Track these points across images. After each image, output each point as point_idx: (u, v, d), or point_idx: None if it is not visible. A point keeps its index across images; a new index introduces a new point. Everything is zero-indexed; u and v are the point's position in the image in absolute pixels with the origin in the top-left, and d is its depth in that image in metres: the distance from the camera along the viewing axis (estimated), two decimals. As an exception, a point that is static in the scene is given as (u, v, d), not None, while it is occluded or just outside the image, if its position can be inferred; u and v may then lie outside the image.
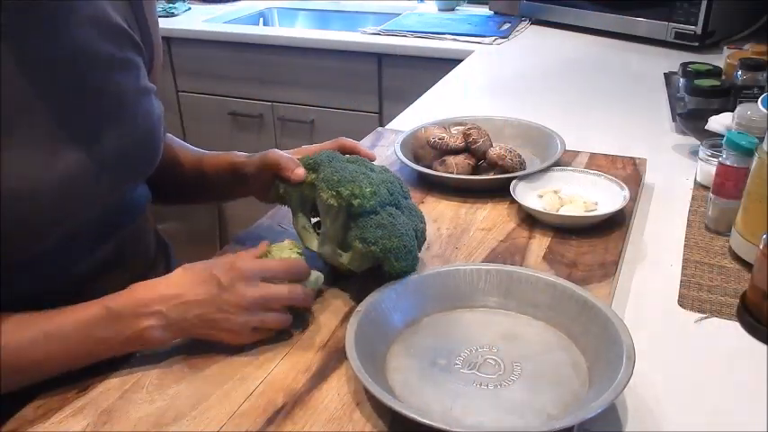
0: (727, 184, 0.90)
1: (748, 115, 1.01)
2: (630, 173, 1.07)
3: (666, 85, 1.52)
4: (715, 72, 1.37)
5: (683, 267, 0.86)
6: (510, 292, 0.76)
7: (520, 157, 1.05)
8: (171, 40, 2.27)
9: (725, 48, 1.58)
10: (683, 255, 0.89)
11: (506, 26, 2.10)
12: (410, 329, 0.74)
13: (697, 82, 1.30)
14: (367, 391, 0.63)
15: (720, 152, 0.91)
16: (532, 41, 2.00)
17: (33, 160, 0.66)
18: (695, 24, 1.77)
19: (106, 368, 0.68)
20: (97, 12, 0.73)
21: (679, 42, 1.81)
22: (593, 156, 1.14)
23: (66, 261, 0.74)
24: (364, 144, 1.14)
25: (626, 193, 0.96)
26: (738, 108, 1.04)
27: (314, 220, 0.83)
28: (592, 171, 1.03)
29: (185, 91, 2.36)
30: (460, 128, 1.11)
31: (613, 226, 0.92)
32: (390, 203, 0.77)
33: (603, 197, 0.98)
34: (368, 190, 0.74)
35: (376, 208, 0.75)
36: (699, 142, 1.09)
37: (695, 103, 1.27)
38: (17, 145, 0.65)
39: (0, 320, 0.65)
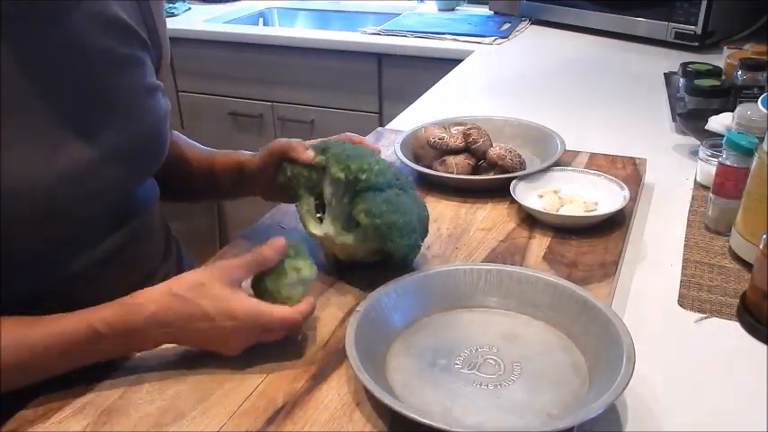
0: (727, 184, 0.90)
1: (748, 115, 1.01)
2: (630, 173, 1.07)
3: (666, 85, 1.52)
4: (715, 72, 1.37)
5: (683, 267, 0.86)
6: (510, 292, 0.76)
7: (520, 157, 1.05)
8: (171, 40, 2.26)
9: (725, 48, 1.58)
10: (683, 255, 0.89)
11: (506, 26, 2.10)
12: (410, 329, 0.74)
13: (697, 82, 1.30)
14: (367, 391, 0.63)
15: (720, 152, 0.91)
16: (532, 41, 2.00)
17: (33, 156, 0.66)
18: (695, 24, 1.77)
19: (106, 368, 0.68)
20: (101, 9, 0.73)
21: (679, 42, 1.81)
22: (593, 156, 1.14)
23: (70, 255, 0.74)
24: (365, 144, 1.14)
25: (626, 193, 0.96)
26: (738, 108, 1.04)
27: (319, 215, 0.83)
28: (592, 171, 1.03)
29: (185, 91, 2.36)
30: (460, 128, 1.11)
31: (613, 226, 0.92)
32: (396, 186, 0.79)
33: (603, 197, 0.98)
34: (376, 167, 0.77)
35: (383, 186, 0.76)
36: (699, 142, 1.09)
37: (695, 103, 1.27)
38: (17, 141, 0.65)
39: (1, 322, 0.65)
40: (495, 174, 1.04)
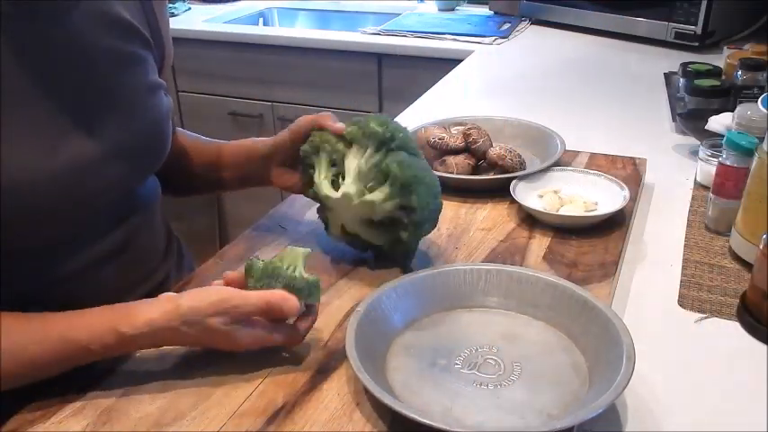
0: (727, 184, 0.90)
1: (748, 115, 1.01)
2: (630, 173, 1.07)
3: (666, 85, 1.52)
4: (715, 72, 1.37)
5: (683, 267, 0.86)
6: (510, 292, 0.76)
7: (520, 157, 1.05)
8: (171, 40, 2.27)
9: (725, 48, 1.58)
10: (683, 255, 0.89)
11: (506, 26, 2.10)
12: (410, 329, 0.74)
13: (697, 82, 1.30)
14: (367, 391, 0.63)
15: (720, 152, 0.91)
16: (532, 41, 2.00)
17: (35, 154, 0.67)
18: (695, 24, 1.77)
19: (106, 368, 0.68)
20: (102, 8, 0.74)
21: (679, 42, 1.81)
22: (593, 156, 1.14)
23: (71, 252, 0.74)
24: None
25: (626, 193, 0.96)
26: (738, 108, 1.04)
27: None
28: (592, 171, 1.03)
29: (185, 91, 2.36)
30: (460, 128, 1.11)
31: (613, 226, 0.92)
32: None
33: (603, 197, 0.98)
34: (410, 135, 0.81)
35: (414, 152, 0.79)
36: (699, 142, 1.09)
37: (695, 103, 1.27)
38: (18, 138, 0.65)
39: (3, 319, 0.65)
40: (495, 174, 1.04)
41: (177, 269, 0.92)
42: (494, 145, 1.07)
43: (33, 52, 0.67)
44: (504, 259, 0.86)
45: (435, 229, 0.91)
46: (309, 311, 0.70)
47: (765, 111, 1.00)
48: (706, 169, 1.03)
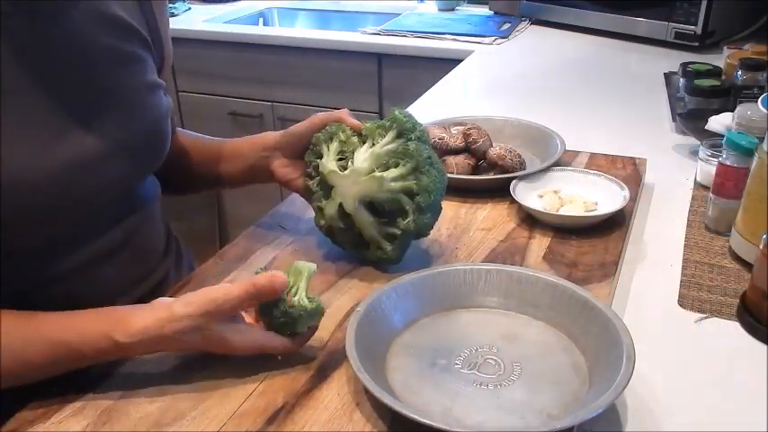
0: (727, 184, 0.90)
1: (748, 115, 1.01)
2: (630, 173, 1.07)
3: (666, 85, 1.52)
4: (715, 72, 1.37)
5: (683, 267, 0.86)
6: (510, 292, 0.76)
7: (520, 157, 1.05)
8: (171, 40, 2.27)
9: (725, 48, 1.58)
10: (683, 255, 0.89)
11: (506, 26, 2.10)
12: (410, 329, 0.74)
13: (697, 82, 1.30)
14: (367, 391, 0.63)
15: (720, 152, 0.91)
16: (532, 41, 2.00)
17: (34, 152, 0.67)
18: (695, 24, 1.77)
19: (106, 368, 0.68)
20: (100, 8, 0.74)
21: (679, 42, 1.81)
22: (593, 156, 1.14)
23: (70, 251, 0.74)
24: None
25: (626, 193, 0.96)
26: (738, 108, 1.04)
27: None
28: (592, 171, 1.03)
29: (185, 91, 2.36)
30: (460, 128, 1.11)
31: (613, 226, 0.92)
32: None
33: (603, 197, 0.98)
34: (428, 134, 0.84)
35: (431, 148, 0.81)
36: (699, 142, 1.09)
37: (695, 103, 1.27)
38: (17, 137, 0.66)
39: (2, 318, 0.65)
40: (495, 174, 1.04)
41: (176, 268, 0.92)
42: (494, 145, 1.07)
43: (33, 51, 0.68)
44: (504, 259, 0.86)
45: (435, 229, 0.92)
46: None
47: (765, 111, 1.00)
48: (706, 169, 1.03)
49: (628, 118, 1.38)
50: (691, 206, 1.00)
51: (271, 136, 0.91)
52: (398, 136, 0.80)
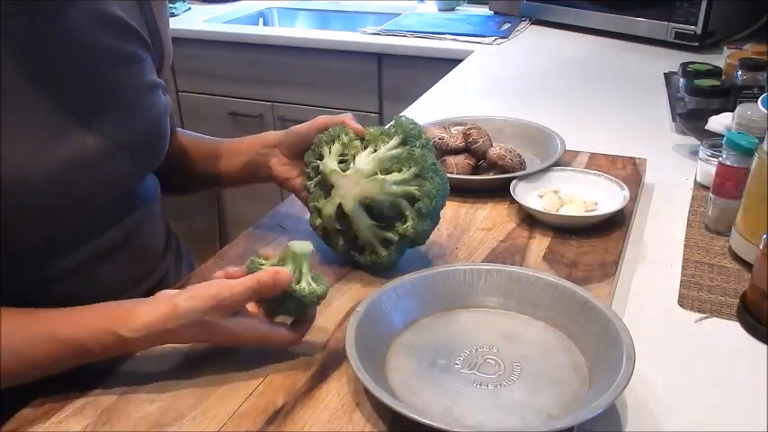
0: (727, 184, 0.90)
1: (748, 115, 1.01)
2: (630, 173, 1.07)
3: (666, 85, 1.52)
4: (715, 72, 1.37)
5: (683, 267, 0.86)
6: (510, 292, 0.76)
7: (520, 157, 1.05)
8: (171, 40, 2.27)
9: (725, 48, 1.58)
10: (683, 255, 0.89)
11: (506, 26, 2.10)
12: (410, 329, 0.74)
13: (697, 82, 1.30)
14: (367, 391, 0.63)
15: (720, 152, 0.91)
16: (532, 41, 2.00)
17: (33, 152, 0.67)
18: (695, 24, 1.77)
19: (106, 368, 0.68)
20: (99, 8, 0.74)
21: (679, 42, 1.81)
22: (593, 156, 1.14)
23: (69, 249, 0.74)
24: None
25: (626, 193, 0.96)
26: (738, 108, 1.04)
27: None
28: (592, 171, 1.03)
29: (185, 91, 2.36)
30: (460, 128, 1.11)
31: (613, 226, 0.92)
32: None
33: (603, 197, 0.98)
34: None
35: (434, 159, 0.81)
36: (699, 142, 1.09)
37: (695, 103, 1.27)
38: (17, 136, 0.66)
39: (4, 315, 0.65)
40: (495, 174, 1.04)
41: (176, 268, 0.92)
42: (494, 145, 1.07)
43: (33, 51, 0.68)
44: (504, 259, 0.86)
45: (435, 229, 0.91)
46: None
47: (765, 111, 1.00)
48: (706, 169, 1.03)
49: (628, 118, 1.38)
50: (691, 206, 1.00)
51: (272, 134, 0.91)
52: (403, 142, 0.80)
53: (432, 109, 1.45)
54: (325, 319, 0.75)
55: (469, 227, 0.94)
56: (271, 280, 0.65)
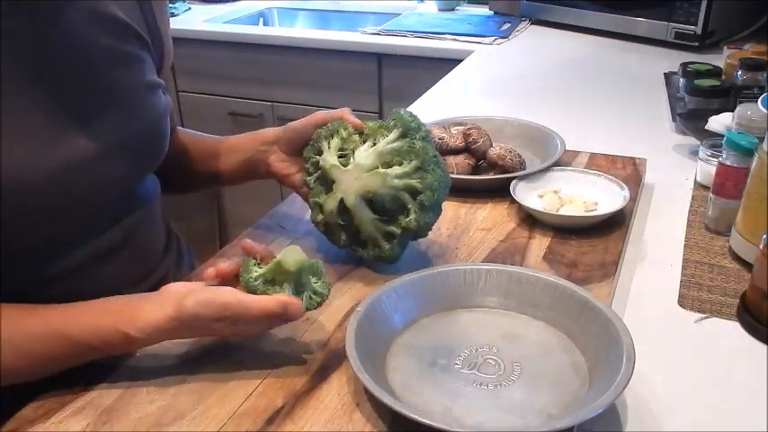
0: (727, 184, 0.90)
1: (748, 115, 1.01)
2: (630, 173, 1.07)
3: (666, 85, 1.52)
4: (715, 72, 1.37)
5: (683, 267, 0.86)
6: (510, 292, 0.76)
7: (520, 157, 1.05)
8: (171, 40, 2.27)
9: (725, 48, 1.58)
10: (683, 255, 0.89)
11: (506, 26, 2.10)
12: (410, 329, 0.74)
13: (697, 82, 1.30)
14: (367, 391, 0.63)
15: (720, 152, 0.91)
16: (532, 41, 2.00)
17: (33, 152, 0.67)
18: (695, 24, 1.77)
19: (106, 368, 0.68)
20: (98, 7, 0.74)
21: (679, 42, 1.81)
22: (593, 156, 1.14)
23: (70, 249, 0.74)
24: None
25: (626, 193, 0.96)
26: (738, 108, 1.04)
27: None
28: (592, 171, 1.03)
29: (185, 91, 2.36)
30: (460, 128, 1.11)
31: (613, 226, 0.92)
32: None
33: (603, 197, 0.98)
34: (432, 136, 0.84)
35: (435, 149, 0.81)
36: (699, 142, 1.09)
37: (695, 103, 1.27)
38: (17, 137, 0.66)
39: (7, 311, 0.66)
40: (495, 174, 1.04)
41: (177, 268, 0.93)
42: (494, 145, 1.07)
43: (32, 52, 0.68)
44: (504, 259, 0.86)
45: (435, 229, 0.92)
46: None
47: (765, 111, 1.00)
48: (706, 169, 1.03)
49: (628, 118, 1.38)
50: (691, 206, 1.00)
51: (270, 131, 0.91)
52: (403, 135, 0.80)
53: (432, 109, 1.45)
54: (326, 319, 0.75)
55: (469, 227, 0.94)
56: (282, 313, 0.65)
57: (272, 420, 0.62)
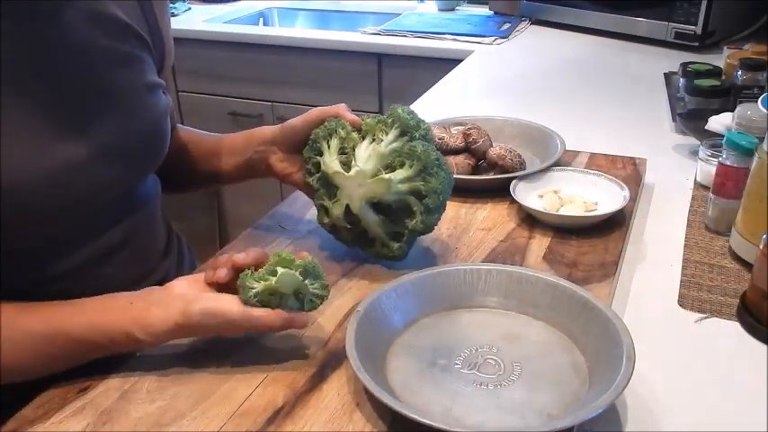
0: (728, 184, 0.90)
1: (748, 115, 1.01)
2: (630, 173, 1.07)
3: (666, 85, 1.52)
4: (715, 72, 1.37)
5: (683, 267, 0.86)
6: (510, 292, 0.76)
7: (520, 157, 1.05)
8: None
9: (725, 48, 1.58)
10: (683, 255, 0.89)
11: (506, 26, 2.10)
12: (410, 329, 0.74)
13: (697, 82, 1.30)
14: (367, 391, 0.63)
15: (720, 152, 0.91)
16: (532, 41, 2.00)
17: (33, 152, 0.67)
18: (695, 24, 1.77)
19: (106, 368, 0.68)
20: (98, 7, 0.74)
21: (679, 42, 1.81)
22: (593, 156, 1.14)
23: (70, 249, 0.74)
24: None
25: (626, 193, 0.96)
26: (738, 108, 1.04)
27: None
28: (592, 171, 1.03)
29: (185, 91, 2.36)
30: (460, 128, 1.11)
31: (613, 226, 0.92)
32: None
33: (603, 197, 0.98)
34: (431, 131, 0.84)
35: (435, 149, 0.80)
36: (699, 142, 1.09)
37: (695, 103, 1.27)
38: (16, 137, 0.66)
39: (11, 310, 0.66)
40: (495, 174, 1.04)
41: (178, 267, 0.92)
42: (494, 145, 1.07)
43: (32, 52, 0.68)
44: (504, 259, 0.86)
45: (435, 229, 0.92)
46: None
47: (765, 111, 1.00)
48: (706, 169, 1.03)
49: (628, 118, 1.38)
50: (691, 206, 1.00)
51: (267, 130, 0.91)
52: (402, 134, 0.79)
53: (432, 109, 1.45)
54: (326, 319, 0.75)
55: (469, 227, 0.94)
56: (288, 326, 0.67)
57: (272, 420, 0.62)
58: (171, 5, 2.44)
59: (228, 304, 0.65)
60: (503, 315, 0.76)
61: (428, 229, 0.81)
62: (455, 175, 1.01)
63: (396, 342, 0.72)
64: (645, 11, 1.87)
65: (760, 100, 1.02)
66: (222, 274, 0.68)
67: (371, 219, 0.80)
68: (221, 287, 0.68)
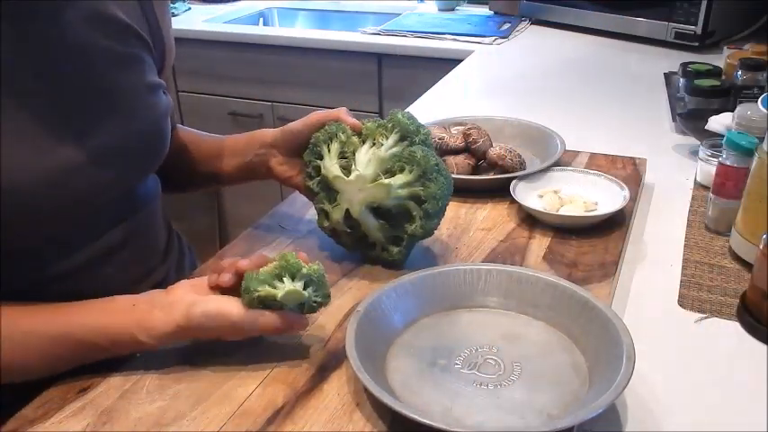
0: (728, 184, 0.90)
1: (748, 115, 1.01)
2: (630, 173, 1.07)
3: (666, 85, 1.52)
4: (715, 72, 1.37)
5: (683, 267, 0.86)
6: (510, 293, 0.76)
7: (520, 157, 1.05)
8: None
9: (725, 48, 1.58)
10: (683, 255, 0.89)
11: (506, 26, 2.10)
12: (410, 329, 0.74)
13: (697, 82, 1.30)
14: (367, 391, 0.63)
15: (720, 152, 0.91)
16: (532, 41, 2.00)
17: (33, 153, 0.67)
18: (695, 24, 1.77)
19: (106, 368, 0.68)
20: (97, 8, 0.74)
21: (679, 42, 1.81)
22: (593, 156, 1.14)
23: (70, 250, 0.74)
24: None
25: (626, 193, 0.96)
26: (738, 108, 1.04)
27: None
28: (592, 171, 1.03)
29: (185, 91, 2.36)
30: (460, 128, 1.11)
31: (613, 226, 0.92)
32: None
33: (603, 197, 0.98)
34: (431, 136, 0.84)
35: (435, 154, 0.80)
36: (699, 142, 1.09)
37: (695, 103, 1.27)
38: (17, 138, 0.66)
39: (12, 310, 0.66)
40: (495, 174, 1.04)
41: (178, 267, 0.92)
42: (494, 145, 1.07)
43: (32, 52, 0.68)
44: (504, 259, 0.86)
45: (435, 229, 0.92)
46: None
47: (765, 111, 1.00)
48: (706, 169, 1.03)
49: (628, 118, 1.38)
50: (691, 206, 1.00)
51: (268, 133, 0.91)
52: (402, 139, 0.80)
53: (432, 109, 1.45)
54: (326, 319, 0.75)
55: (469, 227, 0.94)
56: (289, 329, 0.68)
57: (272, 420, 0.62)
58: (171, 5, 2.43)
59: (230, 307, 0.66)
60: (503, 315, 0.76)
61: (427, 233, 0.82)
62: (455, 175, 1.02)
63: (396, 342, 0.72)
64: (645, 11, 1.87)
65: (760, 100, 1.02)
66: (226, 278, 0.68)
67: (371, 223, 0.81)
68: (223, 291, 0.68)
